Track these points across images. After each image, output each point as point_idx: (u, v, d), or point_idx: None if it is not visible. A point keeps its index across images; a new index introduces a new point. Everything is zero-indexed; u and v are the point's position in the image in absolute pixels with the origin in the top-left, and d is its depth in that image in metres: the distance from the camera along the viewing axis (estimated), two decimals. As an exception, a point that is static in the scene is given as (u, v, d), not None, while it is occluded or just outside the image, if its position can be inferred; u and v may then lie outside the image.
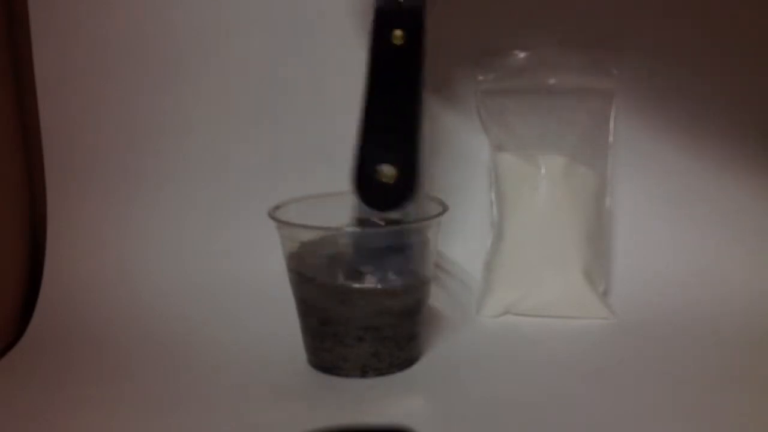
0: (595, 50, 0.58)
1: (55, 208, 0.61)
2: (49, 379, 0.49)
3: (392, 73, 0.48)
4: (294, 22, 0.59)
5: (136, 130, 0.61)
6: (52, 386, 0.48)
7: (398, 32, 0.47)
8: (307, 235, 0.48)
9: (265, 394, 0.46)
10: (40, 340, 0.54)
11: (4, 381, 0.49)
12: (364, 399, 0.46)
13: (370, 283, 0.47)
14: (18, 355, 0.52)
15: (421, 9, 0.48)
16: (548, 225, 0.57)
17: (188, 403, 0.45)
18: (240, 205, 0.61)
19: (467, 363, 0.50)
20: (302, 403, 0.46)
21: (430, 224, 0.48)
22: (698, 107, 0.59)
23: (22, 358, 0.52)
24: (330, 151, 0.59)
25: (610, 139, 0.58)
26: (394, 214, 0.48)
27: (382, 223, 0.48)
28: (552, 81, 0.58)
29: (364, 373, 0.48)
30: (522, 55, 0.59)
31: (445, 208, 0.49)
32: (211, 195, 0.61)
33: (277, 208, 0.49)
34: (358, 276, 0.47)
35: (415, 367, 0.49)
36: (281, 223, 0.48)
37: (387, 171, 0.48)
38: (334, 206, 0.49)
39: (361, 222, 0.48)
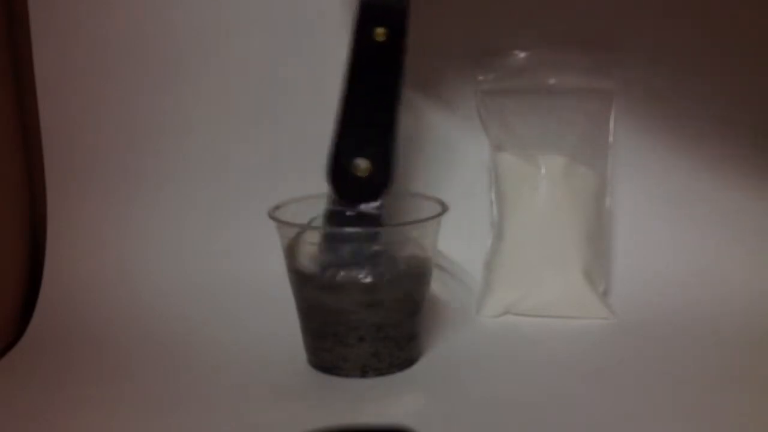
0: (595, 50, 0.58)
1: (55, 208, 0.61)
2: (49, 379, 0.49)
3: (373, 69, 0.49)
4: (294, 22, 0.59)
5: (136, 130, 0.61)
6: (52, 386, 0.48)
7: (381, 29, 0.48)
8: (306, 236, 0.48)
9: (265, 394, 0.46)
10: (40, 340, 0.54)
11: (4, 381, 0.49)
12: (364, 399, 0.46)
13: (366, 277, 0.47)
14: (18, 355, 0.52)
15: (405, 7, 0.48)
16: (548, 225, 0.57)
17: (188, 403, 0.45)
18: (240, 205, 0.61)
19: (467, 363, 0.50)
20: (302, 403, 0.46)
21: (429, 224, 0.48)
22: (698, 107, 0.59)
23: (22, 358, 0.52)
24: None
25: (610, 139, 0.58)
26: (366, 207, 0.48)
27: (353, 215, 0.48)
28: (552, 81, 0.58)
29: (364, 373, 0.48)
30: (522, 55, 0.58)
31: (445, 208, 0.49)
32: (211, 195, 0.61)
33: (277, 208, 0.49)
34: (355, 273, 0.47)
35: (415, 367, 0.49)
36: (281, 223, 0.48)
37: (361, 165, 0.48)
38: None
39: (334, 214, 0.49)
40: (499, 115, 0.59)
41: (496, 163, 0.59)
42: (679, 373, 0.48)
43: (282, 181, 0.60)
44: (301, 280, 0.48)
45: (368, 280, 0.47)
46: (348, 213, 0.48)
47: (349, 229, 0.48)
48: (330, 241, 0.48)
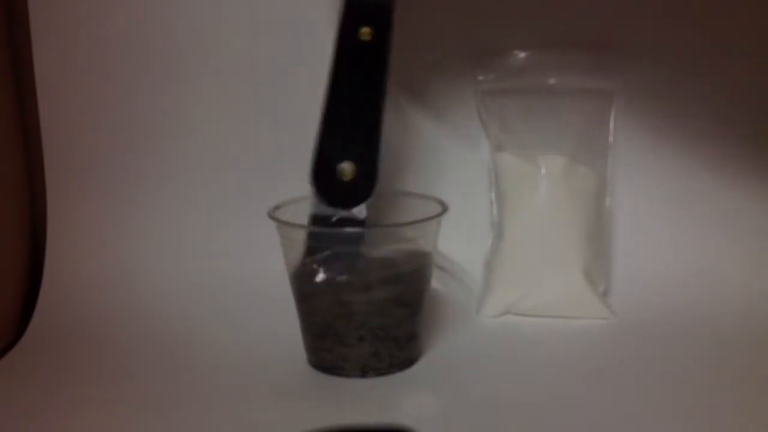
0: (595, 50, 0.58)
1: (55, 208, 0.61)
2: (49, 379, 0.49)
3: (357, 70, 0.48)
4: (294, 22, 0.59)
5: (136, 130, 0.61)
6: (52, 386, 0.48)
7: (366, 29, 0.47)
8: (305, 235, 0.48)
9: (265, 394, 0.46)
10: (40, 340, 0.54)
11: (4, 381, 0.49)
12: (364, 399, 0.46)
13: (366, 278, 0.47)
14: (18, 355, 0.52)
15: (390, 6, 0.48)
16: (548, 225, 0.57)
17: (188, 403, 0.45)
18: (240, 205, 0.61)
19: (467, 363, 0.50)
20: (302, 403, 0.46)
21: (429, 224, 0.48)
22: (698, 107, 0.59)
23: (22, 358, 0.52)
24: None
25: (610, 139, 0.58)
26: (350, 213, 0.48)
27: (334, 220, 0.48)
28: (552, 81, 0.58)
29: (364, 373, 0.48)
30: (522, 55, 0.58)
31: (445, 208, 0.49)
32: (211, 195, 0.61)
33: (277, 208, 0.49)
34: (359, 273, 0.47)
35: (415, 367, 0.49)
36: (281, 223, 0.48)
37: (346, 168, 0.48)
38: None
39: (318, 219, 0.48)
40: (499, 115, 0.59)
41: (496, 163, 0.59)
42: (679, 373, 0.48)
43: (282, 181, 0.59)
44: (301, 280, 0.48)
45: (368, 280, 0.47)
46: (333, 218, 0.48)
47: (348, 230, 0.48)
48: (326, 241, 0.48)
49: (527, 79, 0.58)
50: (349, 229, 0.48)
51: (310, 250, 0.48)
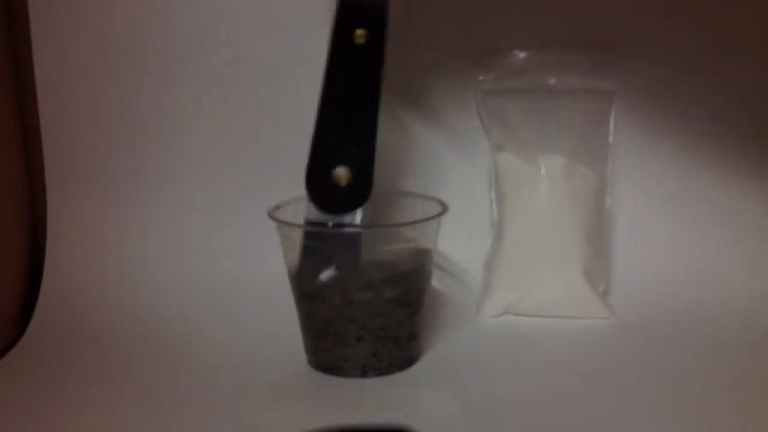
0: (595, 50, 0.58)
1: (55, 208, 0.61)
2: (49, 379, 0.49)
3: (352, 73, 0.47)
4: (294, 22, 0.59)
5: (136, 130, 0.61)
6: (52, 386, 0.48)
7: (361, 31, 0.47)
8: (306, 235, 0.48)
9: (265, 394, 0.46)
10: (40, 340, 0.54)
11: (4, 381, 0.49)
12: (365, 399, 0.46)
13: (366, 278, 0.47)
14: (18, 355, 0.52)
15: (385, 8, 0.47)
16: (548, 225, 0.57)
17: (188, 403, 0.45)
18: (240, 205, 0.61)
19: (467, 363, 0.50)
20: (302, 403, 0.46)
21: (429, 224, 0.48)
22: (698, 107, 0.59)
23: (22, 358, 0.52)
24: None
25: (610, 139, 0.58)
26: (346, 218, 0.47)
27: (330, 225, 0.47)
28: (552, 81, 0.58)
29: (364, 373, 0.48)
30: (522, 55, 0.58)
31: (445, 208, 0.49)
32: (211, 195, 0.61)
33: (277, 208, 0.49)
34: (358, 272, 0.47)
35: (415, 367, 0.49)
36: (281, 223, 0.48)
37: (341, 173, 0.47)
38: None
39: (313, 225, 0.48)
40: (499, 115, 0.59)
41: (496, 163, 0.59)
42: (679, 373, 0.48)
43: (282, 181, 0.59)
44: (300, 280, 0.48)
45: (368, 280, 0.47)
46: (328, 225, 0.47)
47: (348, 229, 0.48)
48: (326, 242, 0.48)
49: (527, 79, 0.58)
50: (348, 229, 0.48)
51: (308, 250, 0.48)
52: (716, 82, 0.59)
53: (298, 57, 0.59)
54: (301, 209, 0.49)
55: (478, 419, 0.43)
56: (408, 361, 0.49)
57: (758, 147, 0.60)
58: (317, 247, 0.48)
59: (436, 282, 0.56)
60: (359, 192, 0.47)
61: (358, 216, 0.47)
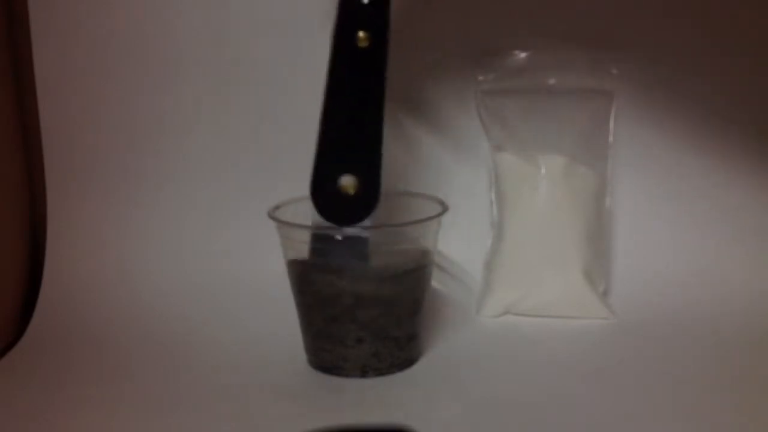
0: (595, 50, 0.58)
1: (55, 208, 0.61)
2: (49, 379, 0.49)
3: (356, 77, 0.46)
4: (294, 22, 0.59)
5: (136, 130, 0.61)
6: (52, 386, 0.48)
7: (362, 34, 0.46)
8: (306, 236, 0.48)
9: (265, 394, 0.46)
10: (40, 340, 0.54)
11: (4, 381, 0.49)
12: (365, 399, 0.46)
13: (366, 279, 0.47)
14: (18, 355, 0.52)
15: (387, 9, 0.46)
16: (548, 225, 0.57)
17: (188, 403, 0.45)
18: (240, 205, 0.61)
19: (467, 363, 0.50)
20: (302, 403, 0.46)
21: (429, 224, 0.48)
22: (698, 107, 0.59)
23: (22, 358, 0.52)
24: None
25: (610, 139, 0.58)
26: (353, 231, 0.47)
27: (340, 237, 0.46)
28: (552, 81, 0.58)
29: (364, 373, 0.48)
30: (522, 55, 0.58)
31: (445, 208, 0.49)
32: (211, 195, 0.61)
33: (277, 208, 0.49)
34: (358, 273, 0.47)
35: (415, 367, 0.49)
36: (281, 223, 0.48)
37: (348, 182, 0.46)
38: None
39: (319, 238, 0.47)
40: (499, 115, 0.59)
41: (496, 163, 0.59)
42: (679, 373, 0.48)
43: (282, 181, 0.59)
44: (301, 282, 0.48)
45: (368, 281, 0.47)
46: (336, 237, 0.47)
47: (349, 229, 0.48)
48: (327, 244, 0.47)
49: (527, 79, 0.58)
50: (349, 229, 0.48)
51: (316, 252, 0.47)
52: (716, 82, 0.59)
53: (298, 57, 0.59)
54: (302, 209, 0.49)
55: (478, 419, 0.43)
56: (408, 361, 0.49)
57: (758, 147, 0.60)
58: (325, 249, 0.47)
59: (436, 282, 0.56)
60: (366, 201, 0.46)
61: (365, 229, 0.47)
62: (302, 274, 0.48)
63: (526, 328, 0.55)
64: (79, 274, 0.60)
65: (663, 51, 0.59)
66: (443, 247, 0.52)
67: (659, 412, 0.43)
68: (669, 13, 0.59)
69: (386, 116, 0.47)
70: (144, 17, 0.59)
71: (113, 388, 0.47)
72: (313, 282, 0.48)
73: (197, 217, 0.61)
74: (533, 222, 0.57)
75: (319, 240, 0.47)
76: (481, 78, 0.59)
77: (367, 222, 0.47)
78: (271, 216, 0.48)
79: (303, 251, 0.48)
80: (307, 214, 0.49)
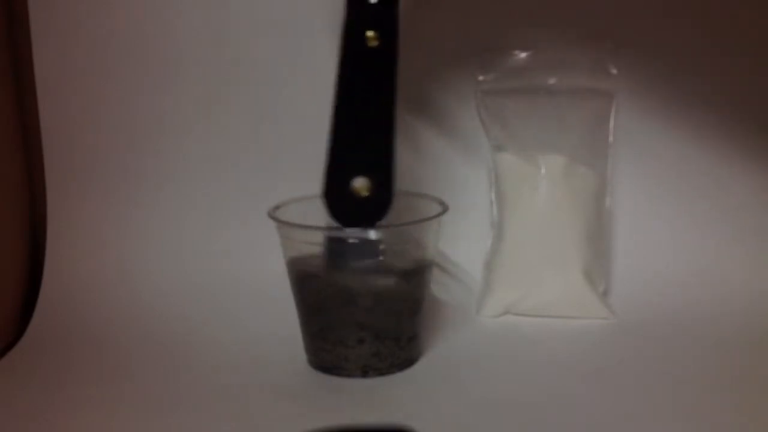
0: (595, 50, 0.58)
1: (55, 208, 0.61)
2: (49, 379, 0.49)
3: (366, 77, 0.46)
4: (294, 22, 0.59)
5: (136, 130, 0.61)
6: (52, 386, 0.48)
7: (371, 33, 0.45)
8: (306, 236, 0.48)
9: (265, 394, 0.46)
10: (40, 340, 0.54)
11: (4, 381, 0.49)
12: (364, 399, 0.46)
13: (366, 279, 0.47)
14: (18, 355, 0.52)
15: (395, 8, 0.46)
16: (548, 225, 0.57)
17: (188, 403, 0.45)
18: (240, 205, 0.61)
19: (467, 363, 0.50)
20: (302, 403, 0.46)
21: (429, 224, 0.48)
22: (698, 107, 0.59)
23: (22, 358, 0.52)
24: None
25: (610, 139, 0.58)
26: (368, 233, 0.46)
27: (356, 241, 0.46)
28: (552, 81, 0.58)
29: (365, 373, 0.48)
30: (522, 55, 0.58)
31: (445, 208, 0.49)
32: (211, 195, 0.61)
33: (277, 208, 0.49)
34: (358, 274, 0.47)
35: (416, 367, 0.49)
36: (281, 223, 0.48)
37: (361, 184, 0.46)
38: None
39: (334, 242, 0.47)
40: (499, 115, 0.59)
41: (496, 163, 0.59)
42: (679, 373, 0.48)
43: (282, 181, 0.59)
44: (302, 282, 0.48)
45: (369, 281, 0.47)
46: (350, 241, 0.46)
47: (348, 230, 0.48)
48: (331, 247, 0.47)
49: (527, 79, 0.58)
50: (350, 229, 0.48)
51: (331, 254, 0.46)
52: (716, 82, 0.59)
53: (298, 57, 0.59)
54: (302, 209, 0.49)
55: (478, 419, 0.43)
56: (408, 361, 0.49)
57: (758, 147, 0.60)
58: (338, 250, 0.47)
59: (436, 282, 0.56)
60: (380, 203, 0.46)
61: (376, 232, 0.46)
62: (302, 275, 0.48)
63: (526, 328, 0.55)
64: (79, 274, 0.60)
65: (663, 51, 0.59)
66: (443, 247, 0.52)
67: (659, 412, 0.43)
68: (669, 12, 0.59)
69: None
70: (144, 17, 0.59)
71: (113, 388, 0.47)
72: (314, 282, 0.48)
73: (197, 217, 0.61)
74: (533, 222, 0.57)
75: (333, 241, 0.47)
76: (481, 78, 0.59)
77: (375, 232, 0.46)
78: (271, 216, 0.48)
79: (303, 251, 0.48)
80: (307, 214, 0.49)
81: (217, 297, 0.58)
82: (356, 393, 0.46)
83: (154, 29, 0.59)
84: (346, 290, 0.47)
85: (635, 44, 0.59)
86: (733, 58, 0.59)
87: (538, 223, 0.57)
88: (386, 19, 0.46)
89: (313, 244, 0.48)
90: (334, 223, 0.47)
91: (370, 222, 0.46)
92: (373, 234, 0.46)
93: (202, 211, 0.61)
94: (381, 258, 0.47)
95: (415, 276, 0.48)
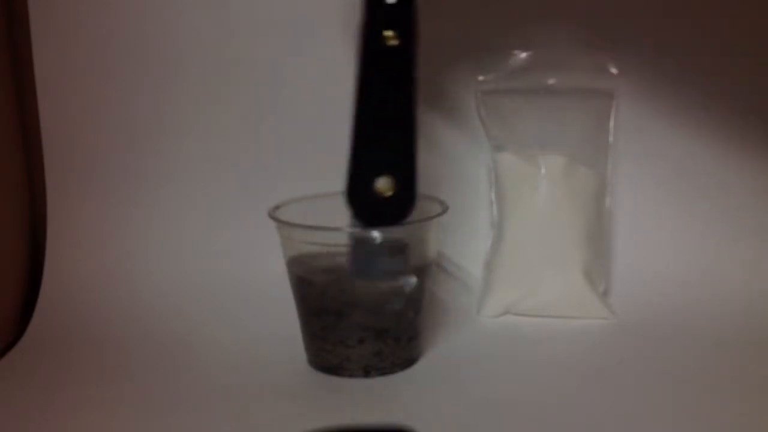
0: (595, 50, 0.58)
1: (55, 208, 0.61)
2: (49, 379, 0.49)
3: (386, 76, 0.46)
4: (294, 22, 0.59)
5: (136, 130, 0.61)
6: (52, 386, 0.48)
7: (390, 32, 0.45)
8: (307, 236, 0.48)
9: (265, 394, 0.46)
10: (40, 340, 0.54)
11: (4, 381, 0.49)
12: (364, 399, 0.46)
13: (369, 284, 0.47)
14: (18, 355, 0.52)
15: (414, 6, 0.45)
16: (548, 225, 0.57)
17: (188, 403, 0.45)
18: (240, 205, 0.61)
19: (467, 363, 0.50)
20: (302, 403, 0.46)
21: (430, 224, 0.48)
22: (698, 107, 0.59)
23: (22, 358, 0.52)
24: (330, 151, 0.58)
25: (610, 139, 0.58)
26: (393, 232, 0.46)
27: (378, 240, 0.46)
28: (552, 81, 0.58)
29: (367, 373, 0.48)
30: (522, 55, 0.59)
31: (445, 208, 0.49)
32: (211, 195, 0.61)
33: (277, 208, 0.49)
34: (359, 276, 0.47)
35: (416, 367, 0.49)
36: (281, 223, 0.48)
37: (384, 184, 0.46)
38: (334, 206, 0.49)
39: (361, 242, 0.46)
40: (499, 115, 0.59)
41: (496, 163, 0.59)
42: (679, 373, 0.48)
43: (282, 181, 0.60)
44: (302, 283, 0.48)
45: (369, 281, 0.47)
46: (377, 241, 0.46)
47: (348, 230, 0.48)
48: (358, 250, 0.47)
49: (527, 79, 0.58)
50: (351, 229, 0.47)
51: (356, 254, 0.46)
52: (716, 82, 0.59)
53: (298, 57, 0.59)
54: (302, 209, 0.49)
55: (478, 419, 0.43)
56: (408, 361, 0.49)
57: (758, 147, 0.60)
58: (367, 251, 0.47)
59: (436, 282, 0.56)
60: (403, 202, 0.46)
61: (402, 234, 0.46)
62: (303, 275, 0.48)
63: (526, 328, 0.55)
64: (79, 274, 0.60)
65: (663, 51, 0.59)
66: (443, 247, 0.52)
67: (659, 412, 0.43)
68: (669, 12, 0.59)
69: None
70: (144, 17, 0.59)
71: (113, 388, 0.47)
72: (314, 283, 0.48)
73: (197, 217, 0.61)
74: (533, 222, 0.57)
75: (358, 244, 0.47)
76: (481, 78, 0.59)
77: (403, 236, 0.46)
78: (271, 216, 0.48)
79: (303, 251, 0.48)
80: (307, 214, 0.49)
81: (217, 297, 0.58)
82: (356, 393, 0.46)
83: (154, 29, 0.59)
84: (347, 291, 0.47)
85: (636, 44, 0.59)
86: (733, 58, 0.59)
87: (538, 223, 0.57)
88: (404, 19, 0.45)
89: (313, 244, 0.48)
90: (332, 224, 0.47)
91: (394, 221, 0.46)
92: (375, 234, 0.46)
93: (202, 211, 0.61)
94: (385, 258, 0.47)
95: (415, 276, 0.48)
